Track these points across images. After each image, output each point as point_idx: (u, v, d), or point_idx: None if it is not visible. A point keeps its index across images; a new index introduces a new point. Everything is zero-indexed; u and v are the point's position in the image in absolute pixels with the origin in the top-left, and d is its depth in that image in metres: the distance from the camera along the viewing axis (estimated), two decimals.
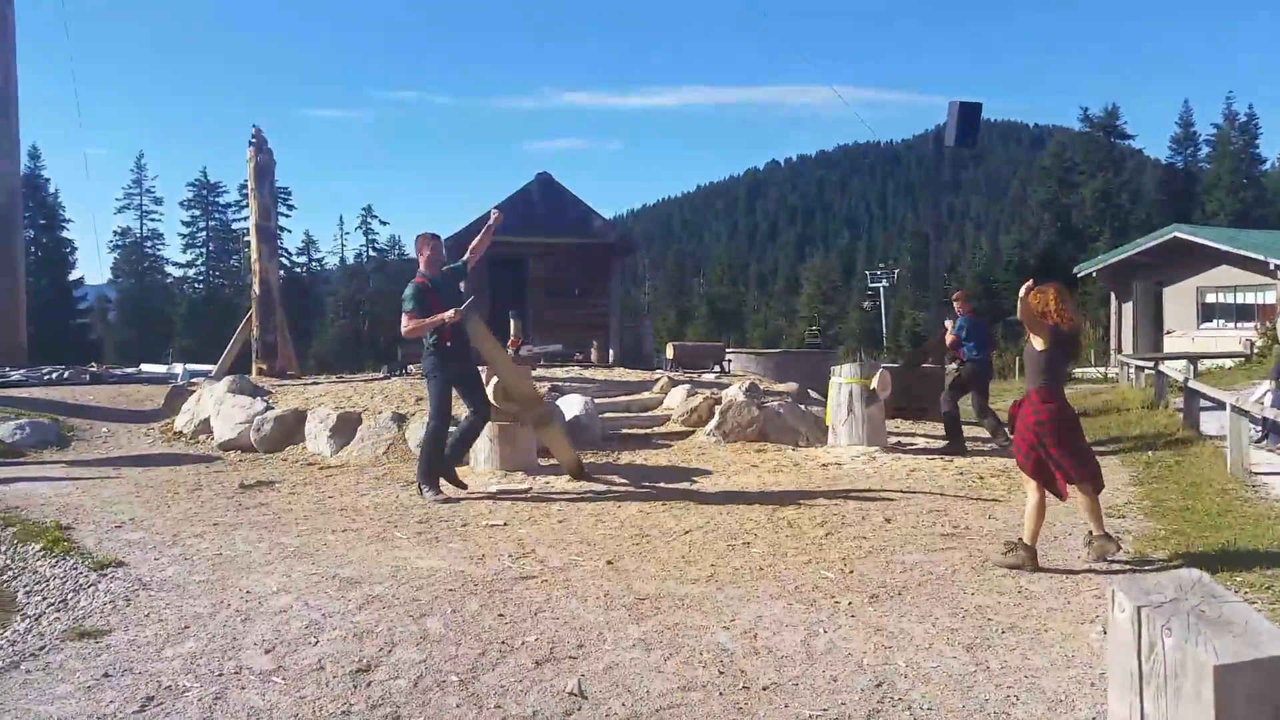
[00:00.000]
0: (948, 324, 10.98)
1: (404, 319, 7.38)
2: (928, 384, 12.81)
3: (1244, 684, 1.36)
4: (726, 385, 11.63)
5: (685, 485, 8.11)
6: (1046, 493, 5.59)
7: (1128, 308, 29.30)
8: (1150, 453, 9.80)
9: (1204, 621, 1.45)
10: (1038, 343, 5.63)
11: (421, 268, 7.63)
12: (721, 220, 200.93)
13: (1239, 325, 25.84)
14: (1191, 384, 11.80)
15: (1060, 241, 59.24)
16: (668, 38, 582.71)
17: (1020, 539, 5.56)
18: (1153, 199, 61.07)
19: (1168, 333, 27.68)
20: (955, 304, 11.20)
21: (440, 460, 7.62)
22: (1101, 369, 25.43)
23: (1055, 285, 5.81)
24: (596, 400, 10.74)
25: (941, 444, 10.38)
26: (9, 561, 5.77)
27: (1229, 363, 22.35)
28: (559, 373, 13.67)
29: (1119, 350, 27.45)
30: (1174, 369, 14.83)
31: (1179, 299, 27.82)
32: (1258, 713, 1.37)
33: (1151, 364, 16.59)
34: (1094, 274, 32.72)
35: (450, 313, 7.24)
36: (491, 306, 20.80)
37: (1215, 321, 27.08)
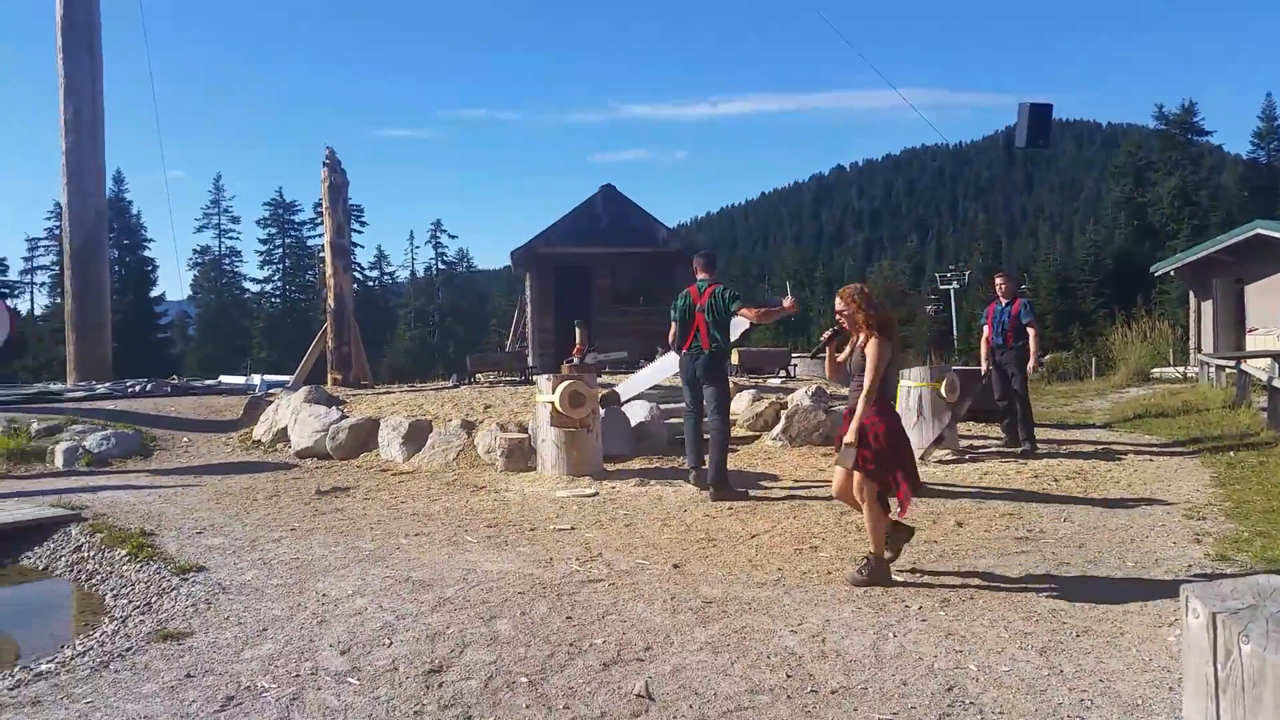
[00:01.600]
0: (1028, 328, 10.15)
1: (749, 311, 8.21)
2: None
3: None
4: (792, 390, 11.56)
5: (751, 489, 8.08)
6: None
7: (1207, 306, 28.37)
8: (1232, 453, 9.51)
9: None
10: (883, 349, 5.23)
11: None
12: (787, 226, 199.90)
13: None
14: (1276, 382, 11.40)
15: (1137, 241, 57.82)
16: (733, 46, 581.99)
17: (872, 553, 5.20)
18: (1234, 195, 59.23)
19: (1250, 330, 26.71)
20: (1001, 284, 10.53)
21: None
22: (1180, 369, 24.69)
23: (861, 285, 5.51)
24: (661, 406, 10.76)
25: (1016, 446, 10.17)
26: (97, 566, 6.00)
27: None
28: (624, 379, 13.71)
29: (1198, 349, 26.63)
30: (1258, 367, 14.36)
31: (1263, 296, 26.82)
32: None
33: (1233, 362, 16.08)
34: (1171, 273, 31.77)
35: (789, 300, 8.51)
36: (557, 315, 20.98)
37: None
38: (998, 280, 10.75)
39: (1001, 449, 10.32)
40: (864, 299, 5.33)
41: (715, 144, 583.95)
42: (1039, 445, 10.22)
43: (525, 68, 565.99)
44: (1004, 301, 10.42)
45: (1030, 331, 10.17)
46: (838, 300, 5.47)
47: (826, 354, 5.70)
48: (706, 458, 7.99)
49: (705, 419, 8.17)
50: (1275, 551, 5.68)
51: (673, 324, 8.31)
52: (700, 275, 8.19)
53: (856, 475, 5.17)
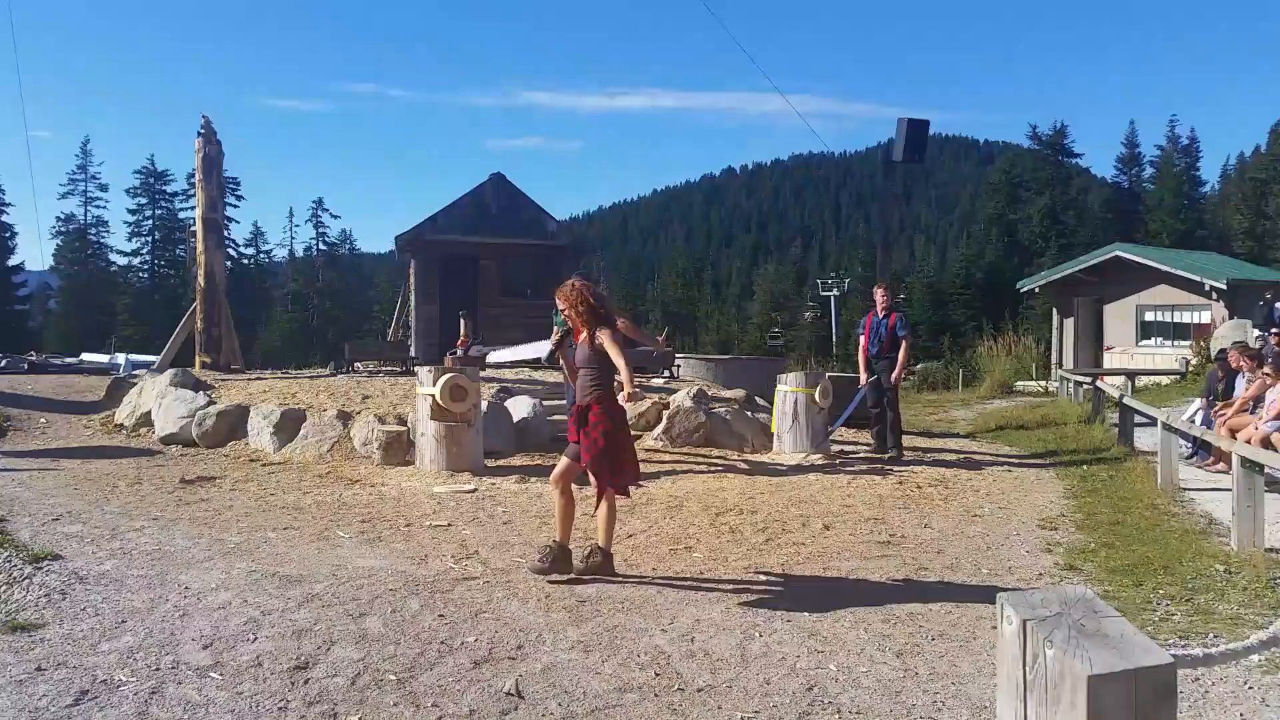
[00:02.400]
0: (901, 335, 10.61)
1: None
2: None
3: (1115, 692, 1.48)
4: (675, 390, 11.72)
5: (630, 489, 8.15)
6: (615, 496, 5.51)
7: (1069, 323, 29.89)
8: (1085, 467, 10.06)
9: (1083, 634, 1.56)
10: (615, 337, 5.38)
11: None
12: (677, 225, 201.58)
13: (1176, 344, 26.47)
14: (1126, 400, 12.09)
15: (1007, 256, 60.22)
16: (632, 39, 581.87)
17: (598, 545, 5.44)
18: (1098, 217, 62.26)
19: (1108, 349, 28.30)
20: (880, 293, 10.90)
21: None
22: (1042, 383, 25.95)
23: (584, 283, 5.61)
24: (545, 402, 10.78)
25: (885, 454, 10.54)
26: None
27: (1165, 380, 22.91)
28: (508, 374, 13.68)
29: (1060, 365, 28.00)
30: (1112, 385, 15.19)
31: (1119, 316, 28.45)
32: (1128, 719, 1.48)
33: (1090, 379, 16.97)
34: (1037, 289, 33.39)
35: (662, 338, 8.66)
36: (443, 304, 20.75)
37: (1153, 339, 27.72)
38: (876, 292, 11.12)
39: (870, 455, 10.68)
40: (580, 296, 5.45)
41: (610, 137, 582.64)
42: (905, 453, 10.62)
43: (419, 42, 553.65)
44: (881, 313, 10.79)
45: (903, 344, 10.58)
46: (558, 299, 5.58)
47: (561, 356, 5.84)
48: None
49: None
50: (1118, 561, 6.04)
51: (555, 329, 8.51)
52: None
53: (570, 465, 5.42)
